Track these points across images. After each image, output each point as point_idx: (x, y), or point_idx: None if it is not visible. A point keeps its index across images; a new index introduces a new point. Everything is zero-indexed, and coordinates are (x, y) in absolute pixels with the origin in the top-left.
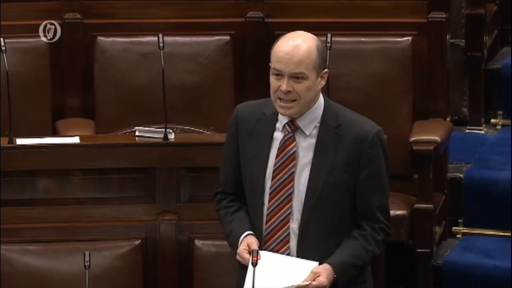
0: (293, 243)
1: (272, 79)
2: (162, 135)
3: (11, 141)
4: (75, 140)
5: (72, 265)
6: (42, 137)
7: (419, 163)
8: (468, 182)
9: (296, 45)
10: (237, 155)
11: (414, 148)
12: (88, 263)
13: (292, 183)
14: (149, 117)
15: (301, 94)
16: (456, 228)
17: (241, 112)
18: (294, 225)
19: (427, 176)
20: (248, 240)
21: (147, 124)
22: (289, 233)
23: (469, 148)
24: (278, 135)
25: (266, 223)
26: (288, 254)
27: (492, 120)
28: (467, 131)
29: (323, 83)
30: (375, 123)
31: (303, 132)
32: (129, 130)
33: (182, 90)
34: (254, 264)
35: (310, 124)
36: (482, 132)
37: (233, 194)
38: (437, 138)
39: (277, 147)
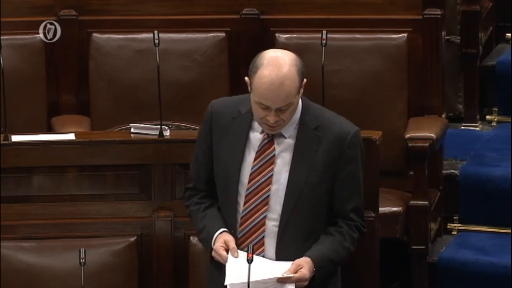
0: (270, 245)
1: (256, 107)
2: (157, 132)
3: (6, 138)
4: (70, 137)
5: (67, 262)
6: (37, 134)
7: (414, 159)
8: (463, 178)
9: (280, 82)
10: (211, 151)
11: (409, 144)
12: (83, 260)
13: (269, 186)
14: (144, 114)
15: (286, 119)
16: (451, 224)
17: (216, 108)
18: (272, 226)
19: (422, 173)
20: (225, 237)
21: (143, 120)
22: (264, 236)
23: (464, 144)
24: (254, 135)
25: (241, 225)
26: (263, 256)
27: (488, 117)
28: (462, 127)
29: (302, 91)
30: (353, 124)
31: (282, 134)
32: (124, 127)
33: (178, 87)
34: (250, 261)
35: (290, 126)
36: (478, 128)
37: (205, 190)
38: (432, 134)
39: (253, 147)
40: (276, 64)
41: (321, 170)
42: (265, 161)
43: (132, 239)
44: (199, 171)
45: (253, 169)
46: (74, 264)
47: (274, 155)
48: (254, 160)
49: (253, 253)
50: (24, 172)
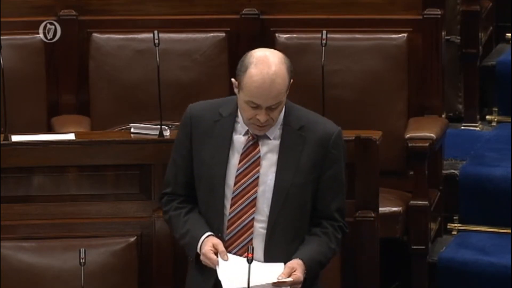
0: (258, 246)
1: (246, 107)
2: (157, 132)
3: (6, 138)
4: (70, 137)
5: (67, 262)
6: (37, 134)
7: (414, 159)
8: (463, 178)
9: (272, 80)
10: (191, 155)
11: (410, 144)
12: (83, 260)
13: (256, 188)
14: (144, 114)
15: (275, 118)
16: (451, 224)
17: (195, 112)
18: (260, 228)
19: (422, 173)
20: (213, 241)
21: (142, 120)
22: (252, 238)
23: (464, 144)
24: (237, 137)
25: (228, 228)
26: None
27: (488, 117)
28: (462, 127)
29: (287, 92)
30: (335, 124)
31: (267, 136)
32: (124, 127)
33: (178, 87)
34: (250, 261)
35: (274, 128)
36: (478, 128)
37: (184, 195)
38: (432, 134)
39: (237, 149)
40: (266, 62)
41: (307, 171)
42: (251, 163)
43: (132, 239)
44: (178, 175)
45: (239, 172)
46: (74, 264)
47: (259, 156)
48: (239, 163)
49: (253, 252)
50: (24, 172)
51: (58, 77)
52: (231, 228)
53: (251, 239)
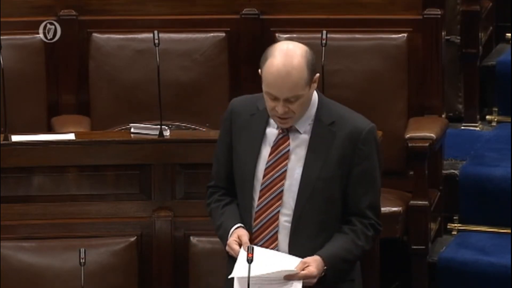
0: (283, 240)
1: (267, 98)
2: (157, 132)
3: (6, 137)
4: (71, 136)
5: (67, 262)
6: (37, 134)
7: (414, 159)
8: (463, 178)
9: (287, 71)
10: (231, 149)
11: (409, 144)
12: (83, 260)
13: (283, 181)
14: (144, 114)
15: (296, 111)
16: (451, 224)
17: (236, 107)
18: (285, 222)
19: (422, 173)
20: (238, 232)
21: (143, 120)
22: (277, 231)
23: (464, 144)
24: (270, 130)
25: (255, 220)
26: (277, 251)
27: (488, 117)
28: (462, 127)
29: (315, 85)
30: (369, 120)
31: (297, 130)
32: (124, 127)
33: (178, 87)
34: (250, 261)
35: (305, 122)
36: (478, 128)
37: (225, 188)
38: (432, 134)
39: (269, 142)
40: (286, 54)
41: (335, 165)
42: (280, 156)
43: (132, 239)
44: (219, 169)
45: (268, 164)
46: (74, 264)
47: (288, 150)
48: (269, 155)
49: (252, 253)
50: (24, 172)
51: (58, 77)
52: (258, 220)
53: (276, 231)
